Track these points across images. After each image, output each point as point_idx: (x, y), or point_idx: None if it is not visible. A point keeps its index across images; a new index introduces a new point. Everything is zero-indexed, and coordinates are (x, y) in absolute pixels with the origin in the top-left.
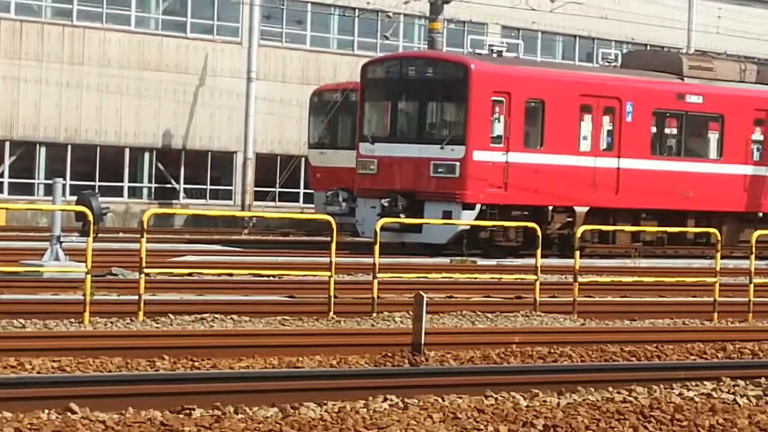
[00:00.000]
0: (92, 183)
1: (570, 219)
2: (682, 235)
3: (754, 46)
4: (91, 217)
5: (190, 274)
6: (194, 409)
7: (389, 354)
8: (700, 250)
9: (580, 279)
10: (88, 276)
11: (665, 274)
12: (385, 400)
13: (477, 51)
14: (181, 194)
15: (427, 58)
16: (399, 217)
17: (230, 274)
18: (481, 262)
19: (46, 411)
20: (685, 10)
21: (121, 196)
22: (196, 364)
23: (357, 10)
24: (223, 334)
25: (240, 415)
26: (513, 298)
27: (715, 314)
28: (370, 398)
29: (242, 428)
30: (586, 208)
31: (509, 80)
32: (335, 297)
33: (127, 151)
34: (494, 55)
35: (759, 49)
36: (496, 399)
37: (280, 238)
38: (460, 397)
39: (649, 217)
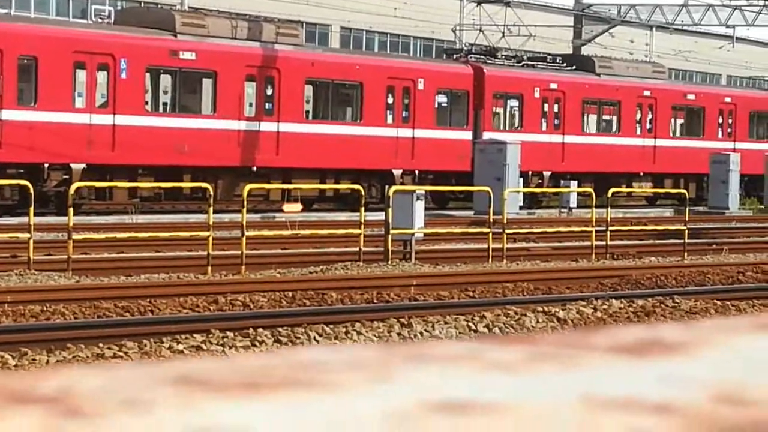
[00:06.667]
0: None
1: (67, 176)
2: (179, 191)
3: (247, 4)
4: None
5: None
6: None
7: None
8: (198, 204)
9: (76, 236)
10: None
11: (161, 229)
12: None
13: None
14: None
15: None
16: None
17: None
18: None
19: None
20: None
21: None
22: None
23: None
24: None
25: None
26: (8, 257)
27: (209, 268)
28: None
29: None
30: (83, 165)
31: (1, 37)
32: None
33: None
34: None
35: (251, 6)
36: None
37: None
38: None
39: (146, 173)
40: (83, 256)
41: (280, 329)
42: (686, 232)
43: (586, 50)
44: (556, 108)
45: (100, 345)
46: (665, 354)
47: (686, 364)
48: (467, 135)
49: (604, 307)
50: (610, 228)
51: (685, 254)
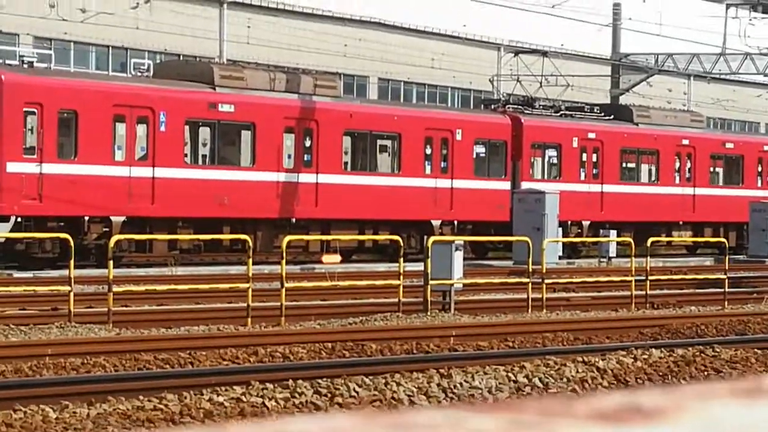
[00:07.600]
0: None
1: (107, 229)
2: (218, 242)
3: (285, 56)
4: None
5: None
6: None
7: None
8: (237, 256)
9: (117, 289)
10: None
11: (201, 281)
12: None
13: (8, 62)
14: None
15: None
16: None
17: None
18: (17, 274)
19: None
20: (216, 20)
21: None
22: None
23: None
24: None
25: None
26: (49, 310)
27: (249, 319)
28: None
29: None
30: (123, 218)
31: (41, 91)
32: None
33: None
34: (26, 66)
35: (289, 58)
36: (25, 413)
37: None
38: None
39: (186, 225)
40: (123, 309)
41: (319, 381)
42: (726, 280)
43: (623, 99)
44: (594, 157)
45: (140, 397)
46: (642, 421)
47: (660, 430)
48: (506, 185)
49: (644, 356)
50: (650, 277)
51: (726, 303)
